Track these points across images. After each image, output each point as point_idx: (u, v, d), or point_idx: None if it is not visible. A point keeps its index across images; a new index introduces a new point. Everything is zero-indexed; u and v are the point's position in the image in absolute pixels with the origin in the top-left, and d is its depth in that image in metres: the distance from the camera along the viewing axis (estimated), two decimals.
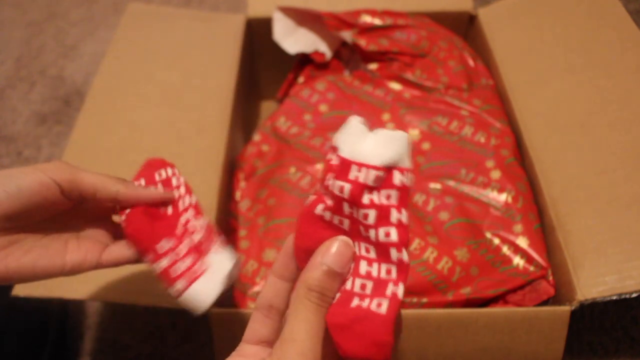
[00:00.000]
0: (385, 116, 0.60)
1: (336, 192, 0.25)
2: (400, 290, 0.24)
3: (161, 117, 0.57)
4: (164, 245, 0.33)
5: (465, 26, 0.71)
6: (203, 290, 0.33)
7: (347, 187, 0.24)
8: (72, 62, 0.93)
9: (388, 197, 0.24)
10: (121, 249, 0.33)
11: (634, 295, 0.43)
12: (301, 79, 0.68)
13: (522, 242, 0.50)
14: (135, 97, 0.59)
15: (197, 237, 0.34)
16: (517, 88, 0.60)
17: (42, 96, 0.88)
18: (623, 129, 0.52)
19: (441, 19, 0.68)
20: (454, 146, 0.57)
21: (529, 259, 0.49)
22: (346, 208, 0.25)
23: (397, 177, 0.24)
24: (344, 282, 0.25)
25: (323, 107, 0.62)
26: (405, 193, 0.24)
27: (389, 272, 0.25)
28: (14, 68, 0.92)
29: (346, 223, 0.25)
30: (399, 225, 0.24)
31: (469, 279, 0.49)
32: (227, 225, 0.55)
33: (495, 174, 0.54)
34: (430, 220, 0.52)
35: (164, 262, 0.33)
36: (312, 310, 0.24)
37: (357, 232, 0.25)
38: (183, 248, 0.33)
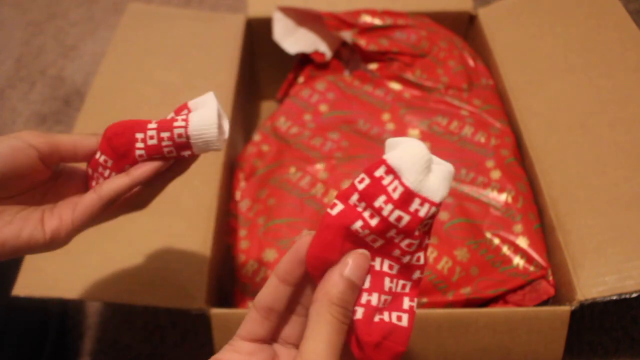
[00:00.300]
0: (385, 116, 0.60)
1: (392, 220, 0.24)
2: (415, 304, 0.25)
3: (161, 117, 0.57)
4: (144, 133, 0.32)
5: (465, 26, 0.71)
6: (202, 117, 0.31)
7: (406, 218, 0.24)
8: (72, 62, 0.93)
9: (426, 225, 0.25)
10: (96, 188, 0.33)
11: (634, 295, 0.43)
12: (301, 79, 0.68)
13: (522, 242, 0.50)
14: (135, 97, 0.59)
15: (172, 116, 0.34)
16: (517, 88, 0.60)
17: (42, 96, 0.88)
18: (623, 129, 0.52)
19: (441, 19, 0.68)
20: (454, 146, 0.57)
21: (529, 259, 0.49)
22: (392, 233, 0.24)
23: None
24: (361, 296, 0.25)
25: (323, 107, 0.62)
26: (434, 222, 0.26)
27: (404, 287, 0.25)
28: (14, 68, 0.92)
29: (380, 242, 0.25)
30: (426, 248, 0.25)
31: (469, 279, 0.49)
32: (227, 225, 0.55)
33: (495, 174, 0.54)
34: None
35: (152, 139, 0.32)
36: (335, 327, 0.24)
37: (387, 251, 0.25)
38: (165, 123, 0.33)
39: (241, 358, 0.26)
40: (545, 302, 0.48)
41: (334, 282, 0.24)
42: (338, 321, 0.24)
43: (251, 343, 0.27)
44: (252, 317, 0.27)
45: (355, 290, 0.24)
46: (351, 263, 0.24)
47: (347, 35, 0.64)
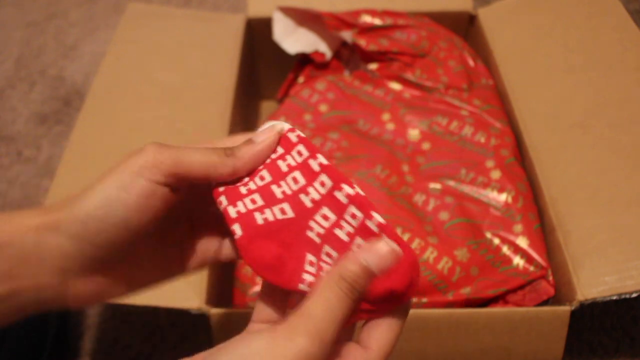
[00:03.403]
0: (385, 116, 0.60)
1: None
2: (375, 221, 0.24)
3: (161, 117, 0.57)
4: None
5: (465, 26, 0.71)
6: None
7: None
8: (72, 62, 0.93)
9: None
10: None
11: (634, 295, 0.43)
12: (301, 79, 0.68)
13: (522, 242, 0.50)
14: (135, 97, 0.59)
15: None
16: (517, 88, 0.60)
17: (42, 96, 0.88)
18: (623, 129, 0.52)
19: (441, 19, 0.68)
20: (454, 146, 0.57)
21: (529, 259, 0.49)
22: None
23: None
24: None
25: (323, 107, 0.62)
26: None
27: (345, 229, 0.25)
28: (14, 68, 0.92)
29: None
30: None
31: (469, 279, 0.49)
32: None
33: (495, 174, 0.54)
34: (430, 220, 0.52)
35: None
36: (338, 296, 0.23)
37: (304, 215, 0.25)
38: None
39: None
40: (545, 302, 0.48)
41: (351, 262, 0.24)
42: (342, 292, 0.23)
43: (264, 324, 0.26)
44: (260, 299, 0.27)
45: (370, 277, 0.24)
46: (378, 253, 0.24)
47: (347, 35, 0.64)
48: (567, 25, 0.62)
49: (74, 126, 0.55)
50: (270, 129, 0.27)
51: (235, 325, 0.44)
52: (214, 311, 0.44)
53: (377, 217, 0.24)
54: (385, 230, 0.24)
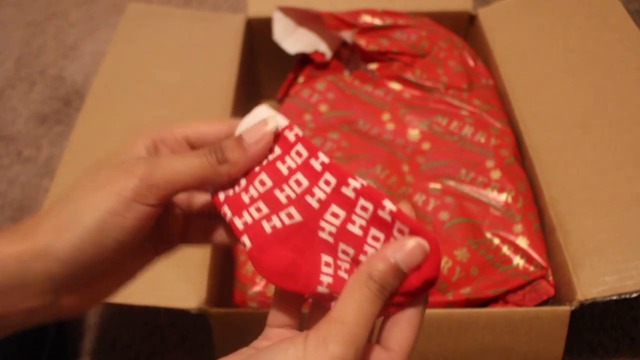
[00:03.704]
0: (385, 116, 0.60)
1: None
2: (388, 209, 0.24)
3: (161, 117, 0.57)
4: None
5: (465, 26, 0.71)
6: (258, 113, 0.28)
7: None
8: (72, 62, 0.93)
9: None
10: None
11: (634, 295, 0.43)
12: (301, 79, 0.68)
13: (522, 242, 0.50)
14: (135, 97, 0.59)
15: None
16: (517, 88, 0.60)
17: (42, 96, 0.88)
18: (623, 129, 0.52)
19: (441, 19, 0.68)
20: (454, 146, 0.57)
21: (529, 259, 0.49)
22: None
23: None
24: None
25: (323, 107, 0.62)
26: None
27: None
28: (14, 68, 0.92)
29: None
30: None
31: (469, 279, 0.49)
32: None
33: (495, 174, 0.54)
34: (430, 220, 0.52)
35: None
36: (369, 298, 0.23)
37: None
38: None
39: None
40: (545, 302, 0.48)
41: (379, 261, 0.23)
42: (372, 293, 0.23)
43: (280, 329, 0.26)
44: (274, 306, 0.27)
45: (399, 276, 0.23)
46: (405, 249, 0.23)
47: (347, 35, 0.64)
48: (567, 25, 0.62)
49: (74, 126, 0.55)
50: (262, 125, 0.26)
51: (235, 325, 0.44)
52: (214, 311, 0.44)
53: (389, 205, 0.23)
54: (398, 217, 0.23)
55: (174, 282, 0.45)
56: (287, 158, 0.26)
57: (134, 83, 0.60)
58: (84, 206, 0.23)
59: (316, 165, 0.25)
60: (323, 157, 0.25)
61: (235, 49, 0.65)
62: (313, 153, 0.25)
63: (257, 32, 0.70)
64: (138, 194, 0.24)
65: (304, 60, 0.68)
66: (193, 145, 0.28)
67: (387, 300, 0.23)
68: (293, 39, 0.67)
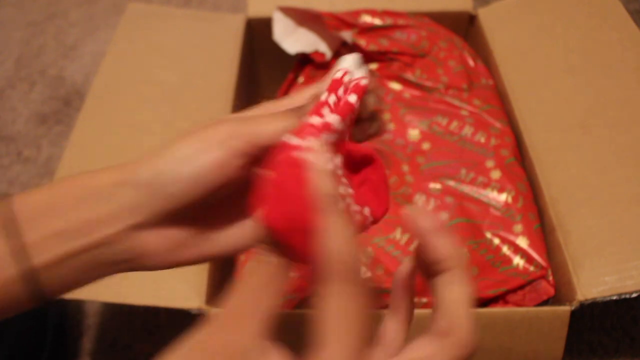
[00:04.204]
0: (385, 116, 0.60)
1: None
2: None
3: (161, 117, 0.57)
4: None
5: (465, 26, 0.71)
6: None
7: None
8: (72, 62, 0.93)
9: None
10: None
11: (634, 295, 0.43)
12: (301, 79, 0.68)
13: (522, 242, 0.50)
14: (135, 97, 0.59)
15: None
16: (517, 88, 0.60)
17: (42, 96, 0.88)
18: (623, 129, 0.52)
19: (441, 19, 0.68)
20: (454, 146, 0.57)
21: (529, 259, 0.49)
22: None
23: None
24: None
25: None
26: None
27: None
28: (14, 68, 0.92)
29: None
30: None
31: None
32: None
33: (495, 174, 0.54)
34: None
35: None
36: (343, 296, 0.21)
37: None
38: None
39: None
40: (545, 302, 0.48)
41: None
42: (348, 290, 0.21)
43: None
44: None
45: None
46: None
47: (347, 35, 0.64)
48: (567, 25, 0.62)
49: (74, 126, 0.55)
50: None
51: None
52: (214, 311, 0.44)
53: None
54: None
55: (174, 282, 0.45)
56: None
57: (134, 83, 0.60)
58: (172, 145, 0.25)
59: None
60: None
61: (235, 49, 0.65)
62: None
63: (257, 32, 0.70)
64: (222, 138, 0.24)
65: (304, 60, 0.68)
66: None
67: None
68: (293, 39, 0.67)
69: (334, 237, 0.20)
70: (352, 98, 0.25)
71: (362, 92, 0.26)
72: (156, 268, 0.26)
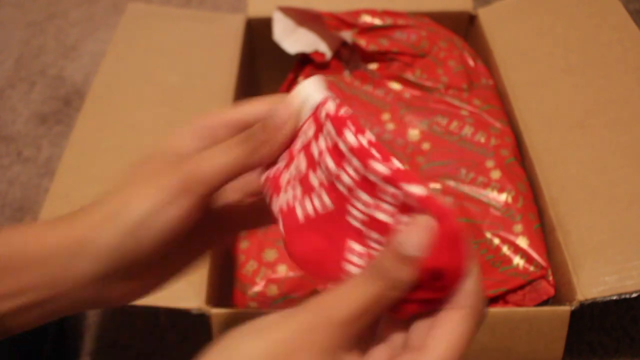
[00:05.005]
0: (385, 116, 0.60)
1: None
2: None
3: (161, 117, 0.57)
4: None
5: (465, 26, 0.71)
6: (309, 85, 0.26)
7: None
8: (72, 62, 0.93)
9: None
10: None
11: (634, 295, 0.43)
12: (301, 79, 0.68)
13: (522, 242, 0.50)
14: (135, 97, 0.59)
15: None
16: (517, 88, 0.60)
17: (42, 96, 0.88)
18: (623, 129, 0.52)
19: (441, 19, 0.68)
20: (454, 146, 0.57)
21: (529, 259, 0.49)
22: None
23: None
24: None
25: None
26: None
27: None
28: (14, 68, 0.92)
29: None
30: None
31: None
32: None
33: (495, 174, 0.54)
34: None
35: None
36: (364, 283, 0.22)
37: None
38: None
39: None
40: (545, 302, 0.48)
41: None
42: (366, 278, 0.21)
43: None
44: None
45: (398, 260, 0.21)
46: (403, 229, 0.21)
47: (347, 35, 0.64)
48: (567, 25, 0.62)
49: (74, 126, 0.55)
50: (287, 106, 0.25)
51: (235, 325, 0.44)
52: (214, 311, 0.44)
53: (415, 190, 0.21)
54: (427, 202, 0.21)
55: (174, 282, 0.45)
56: (320, 137, 0.24)
57: (134, 83, 0.60)
58: (129, 198, 0.23)
59: (343, 147, 0.23)
60: (350, 139, 0.22)
61: (235, 49, 0.65)
62: (340, 131, 0.23)
63: (257, 32, 0.70)
64: (184, 186, 0.24)
65: (304, 60, 0.68)
66: (248, 127, 0.27)
67: (391, 289, 0.21)
68: (293, 39, 0.67)
69: (476, 280, 0.22)
70: (352, 139, 0.22)
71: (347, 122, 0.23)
72: (126, 303, 0.27)
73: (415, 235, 0.21)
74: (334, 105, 0.23)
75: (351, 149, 0.22)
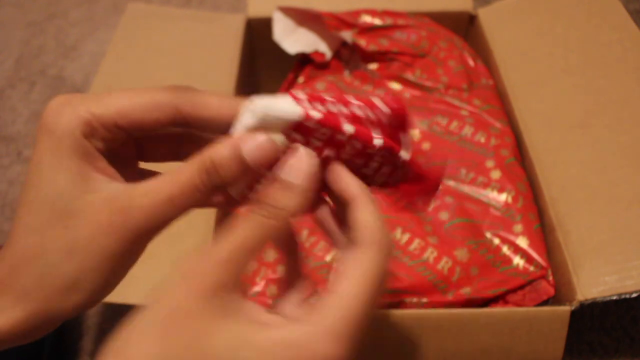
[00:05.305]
0: None
1: None
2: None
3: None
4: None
5: (465, 26, 0.71)
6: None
7: None
8: (72, 62, 0.93)
9: None
10: None
11: (634, 295, 0.43)
12: (301, 79, 0.68)
13: (522, 242, 0.50)
14: None
15: None
16: (517, 88, 0.60)
17: (42, 96, 0.88)
18: (623, 129, 0.52)
19: (441, 19, 0.68)
20: (454, 146, 0.57)
21: (529, 259, 0.49)
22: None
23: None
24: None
25: None
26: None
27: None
28: (14, 68, 0.92)
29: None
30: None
31: (469, 279, 0.49)
32: (227, 225, 0.55)
33: (495, 174, 0.54)
34: (430, 220, 0.52)
35: None
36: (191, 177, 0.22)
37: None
38: None
39: None
40: (545, 302, 0.48)
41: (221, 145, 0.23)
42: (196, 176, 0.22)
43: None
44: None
45: (239, 164, 0.22)
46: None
47: (347, 35, 0.64)
48: (567, 25, 0.62)
49: None
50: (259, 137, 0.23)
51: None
52: None
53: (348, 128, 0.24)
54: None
55: None
56: (312, 141, 0.24)
57: (134, 83, 0.60)
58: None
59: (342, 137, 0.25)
60: (348, 128, 0.24)
61: (235, 49, 0.65)
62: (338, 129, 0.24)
63: (257, 32, 0.70)
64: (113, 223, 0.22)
65: (304, 60, 0.68)
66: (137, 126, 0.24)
67: (274, 218, 0.22)
68: (293, 39, 0.67)
69: (376, 215, 0.23)
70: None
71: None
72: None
73: (297, 164, 0.22)
74: (319, 113, 0.24)
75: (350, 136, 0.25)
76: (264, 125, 0.23)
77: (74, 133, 0.23)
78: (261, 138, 0.22)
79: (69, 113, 0.24)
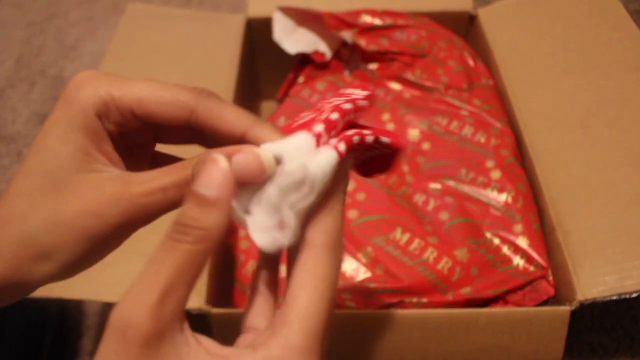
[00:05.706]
0: (385, 116, 0.60)
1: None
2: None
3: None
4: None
5: (465, 26, 0.71)
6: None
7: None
8: (72, 62, 0.93)
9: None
10: None
11: (634, 295, 0.43)
12: (301, 79, 0.68)
13: (522, 242, 0.50)
14: None
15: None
16: (517, 88, 0.60)
17: (42, 96, 0.88)
18: (623, 129, 0.52)
19: (441, 19, 0.68)
20: (454, 146, 0.57)
21: (529, 259, 0.49)
22: None
23: None
24: None
25: None
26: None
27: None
28: (14, 68, 0.92)
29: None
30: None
31: (469, 279, 0.49)
32: (227, 226, 0.55)
33: (495, 174, 0.54)
34: (430, 220, 0.52)
35: None
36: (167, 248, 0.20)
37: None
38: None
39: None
40: (545, 302, 0.48)
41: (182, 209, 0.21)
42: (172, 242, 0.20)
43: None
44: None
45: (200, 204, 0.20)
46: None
47: (347, 35, 0.64)
48: (567, 25, 0.62)
49: None
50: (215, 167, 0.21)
51: (235, 325, 0.44)
52: (214, 311, 0.44)
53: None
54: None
55: None
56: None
57: None
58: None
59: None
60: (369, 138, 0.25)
61: (235, 49, 0.65)
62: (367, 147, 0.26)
63: (257, 32, 0.70)
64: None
65: (304, 60, 0.68)
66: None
67: (201, 242, 0.20)
68: (293, 39, 0.67)
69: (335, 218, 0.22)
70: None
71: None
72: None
73: (208, 172, 0.20)
74: (343, 144, 0.23)
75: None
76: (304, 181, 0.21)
77: (88, 110, 0.24)
78: (251, 155, 0.20)
79: (90, 90, 0.25)
